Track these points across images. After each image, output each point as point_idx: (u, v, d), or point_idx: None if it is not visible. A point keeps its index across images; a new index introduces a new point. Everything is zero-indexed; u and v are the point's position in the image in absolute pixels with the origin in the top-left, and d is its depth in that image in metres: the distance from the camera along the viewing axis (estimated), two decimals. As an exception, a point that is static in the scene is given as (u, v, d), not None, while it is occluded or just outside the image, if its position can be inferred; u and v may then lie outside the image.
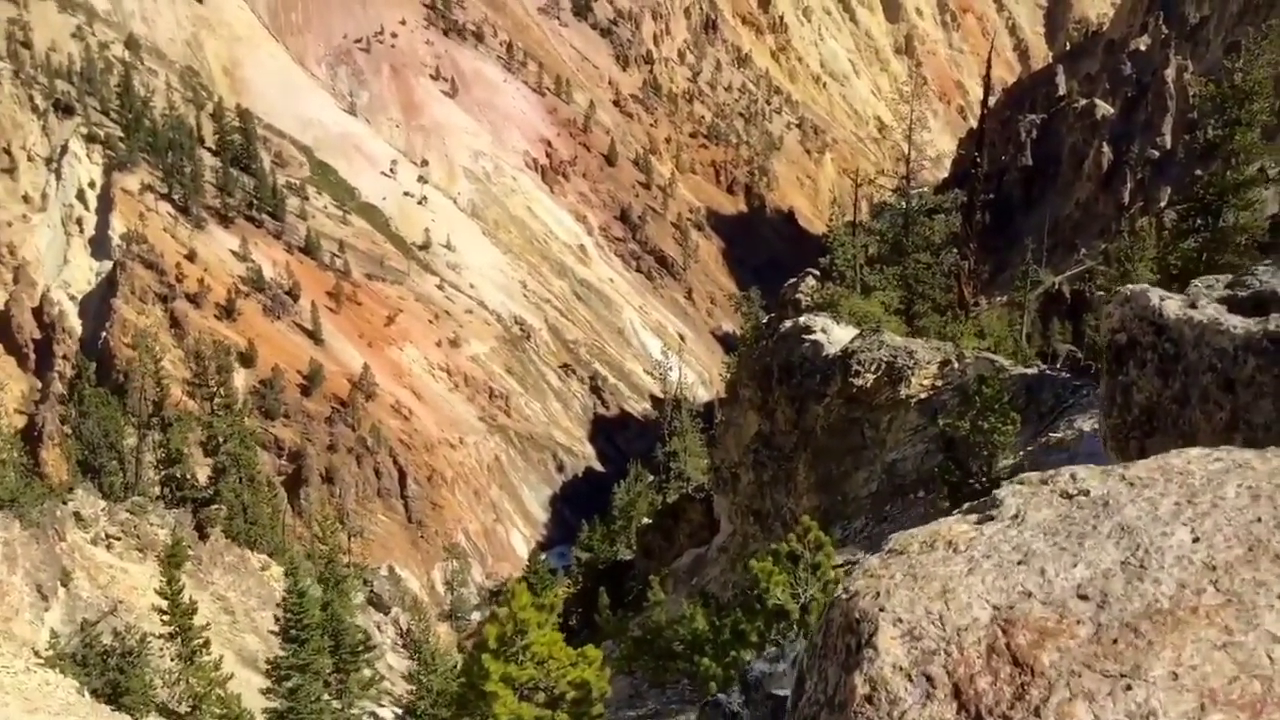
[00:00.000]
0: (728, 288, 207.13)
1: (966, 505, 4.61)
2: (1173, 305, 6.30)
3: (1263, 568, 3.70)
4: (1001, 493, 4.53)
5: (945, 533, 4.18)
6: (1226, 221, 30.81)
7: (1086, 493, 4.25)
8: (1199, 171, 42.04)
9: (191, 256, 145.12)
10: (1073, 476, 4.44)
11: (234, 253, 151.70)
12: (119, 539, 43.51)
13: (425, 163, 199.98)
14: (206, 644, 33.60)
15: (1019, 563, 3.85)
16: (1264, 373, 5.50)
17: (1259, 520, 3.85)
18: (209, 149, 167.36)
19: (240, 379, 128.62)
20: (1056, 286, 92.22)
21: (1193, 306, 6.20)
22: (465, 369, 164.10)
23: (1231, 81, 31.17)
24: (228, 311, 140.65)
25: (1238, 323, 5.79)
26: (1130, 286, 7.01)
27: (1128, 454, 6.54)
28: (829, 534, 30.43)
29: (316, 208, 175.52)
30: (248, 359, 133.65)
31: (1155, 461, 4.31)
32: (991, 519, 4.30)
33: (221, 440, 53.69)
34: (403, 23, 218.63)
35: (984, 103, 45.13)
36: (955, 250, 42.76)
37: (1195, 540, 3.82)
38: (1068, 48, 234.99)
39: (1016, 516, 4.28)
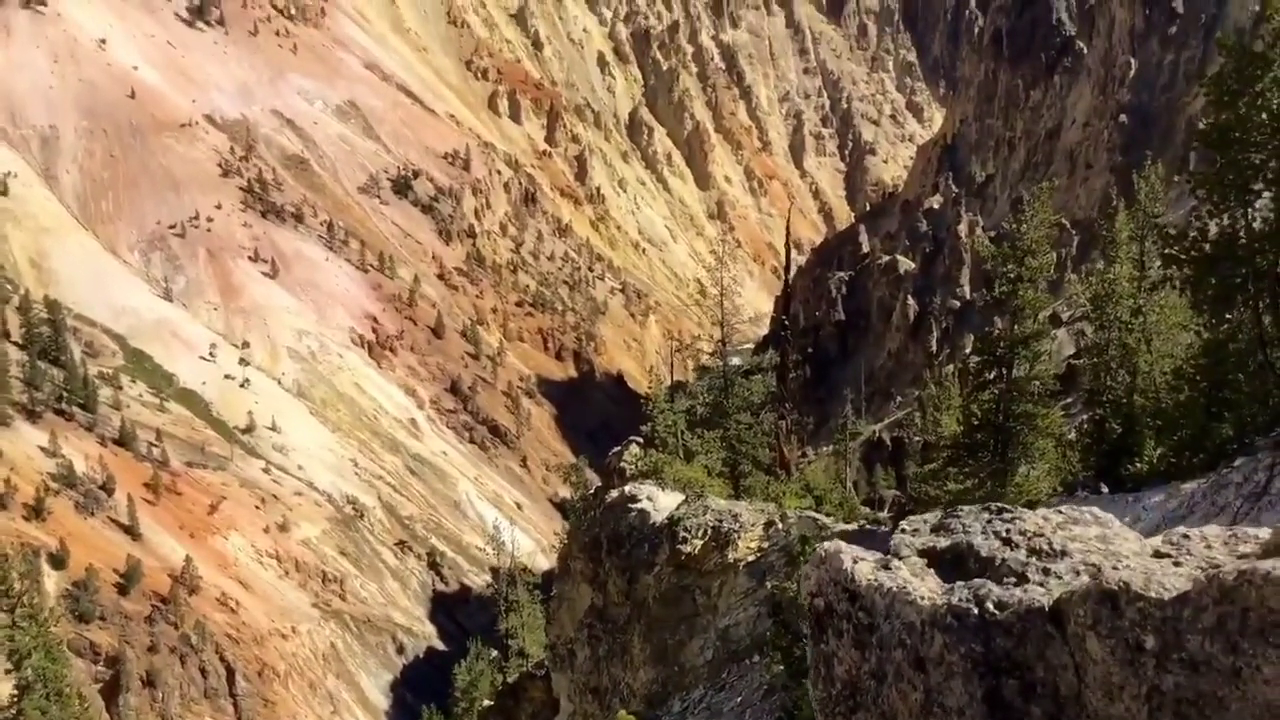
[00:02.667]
0: (562, 453, 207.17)
1: None
2: (865, 569, 6.13)
3: None
4: None
5: None
6: (1020, 372, 32.60)
7: None
8: (996, 318, 44.54)
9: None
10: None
11: (43, 449, 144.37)
12: (-93, 775, 39.86)
13: (247, 344, 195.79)
14: None
15: None
16: (952, 651, 5.43)
17: None
18: (15, 343, 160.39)
19: (52, 582, 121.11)
20: (876, 435, 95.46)
21: (885, 568, 6.07)
22: (296, 554, 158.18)
23: (1012, 241, 33.43)
24: (36, 511, 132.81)
25: (925, 594, 5.71)
26: (826, 545, 6.75)
27: (835, 729, 6.39)
28: (667, 707, 30.07)
29: (131, 397, 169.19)
30: (59, 560, 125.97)
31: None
32: None
33: (25, 655, 50.11)
34: (218, 207, 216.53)
35: (786, 266, 47.27)
36: (775, 409, 44.01)
37: None
38: (868, 208, 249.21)
39: None
